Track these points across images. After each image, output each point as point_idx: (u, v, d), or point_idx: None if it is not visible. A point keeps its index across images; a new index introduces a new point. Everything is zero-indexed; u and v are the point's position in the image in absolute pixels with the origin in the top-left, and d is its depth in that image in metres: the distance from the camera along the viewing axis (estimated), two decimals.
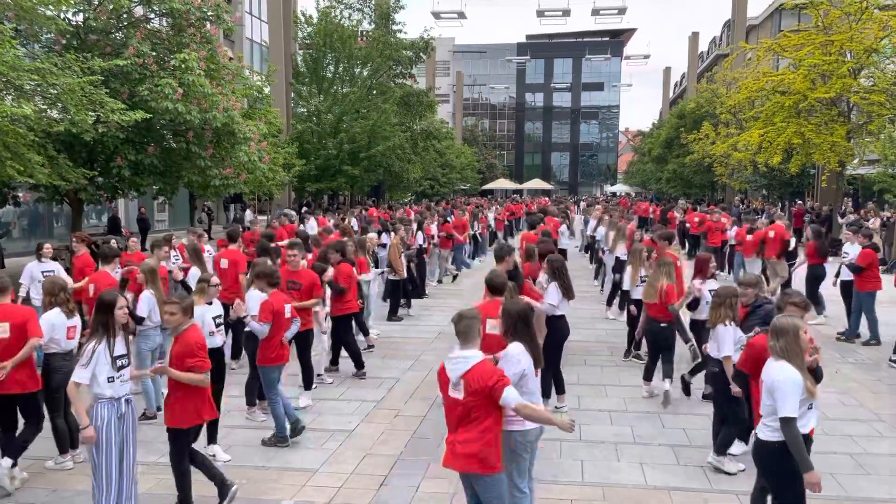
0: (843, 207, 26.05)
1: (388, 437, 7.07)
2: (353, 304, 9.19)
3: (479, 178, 65.42)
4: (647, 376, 8.44)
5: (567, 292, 7.43)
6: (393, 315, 12.83)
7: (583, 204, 44.95)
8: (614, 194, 68.50)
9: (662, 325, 8.06)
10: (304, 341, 8.00)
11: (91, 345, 4.77)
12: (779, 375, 4.27)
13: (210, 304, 6.70)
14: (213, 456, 6.29)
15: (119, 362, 4.84)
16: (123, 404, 4.88)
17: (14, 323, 5.82)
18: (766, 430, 4.38)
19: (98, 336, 4.81)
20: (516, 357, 4.67)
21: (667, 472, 6.26)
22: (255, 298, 7.02)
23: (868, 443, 6.92)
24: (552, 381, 7.73)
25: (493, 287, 6.17)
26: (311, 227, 17.52)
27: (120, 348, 4.89)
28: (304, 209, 28.65)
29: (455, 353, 4.35)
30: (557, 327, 7.51)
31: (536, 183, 71.71)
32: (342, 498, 5.77)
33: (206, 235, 13.60)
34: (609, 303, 13.25)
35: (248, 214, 29.66)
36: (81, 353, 4.80)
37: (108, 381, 4.76)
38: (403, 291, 13.27)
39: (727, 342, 6.11)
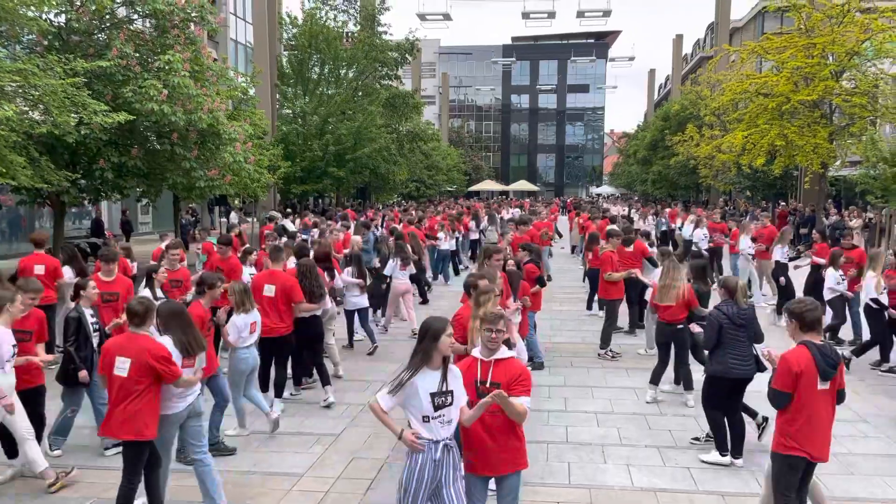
0: (827, 209, 26.29)
1: (375, 441, 7.05)
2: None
3: (465, 179, 65.51)
4: (655, 380, 8.30)
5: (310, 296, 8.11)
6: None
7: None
8: (600, 195, 68.77)
9: (679, 326, 8.03)
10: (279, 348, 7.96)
11: (404, 373, 4.10)
12: None
13: None
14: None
15: (437, 400, 4.06)
16: (440, 449, 4.08)
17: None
18: None
19: (414, 365, 4.09)
20: None
21: (653, 473, 6.28)
22: None
23: (853, 443, 6.97)
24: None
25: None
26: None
27: (438, 383, 4.07)
28: (289, 211, 28.53)
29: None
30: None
31: (522, 185, 71.90)
32: (329, 502, 5.74)
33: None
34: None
35: (234, 217, 29.49)
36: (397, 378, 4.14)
37: (424, 421, 4.06)
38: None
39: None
